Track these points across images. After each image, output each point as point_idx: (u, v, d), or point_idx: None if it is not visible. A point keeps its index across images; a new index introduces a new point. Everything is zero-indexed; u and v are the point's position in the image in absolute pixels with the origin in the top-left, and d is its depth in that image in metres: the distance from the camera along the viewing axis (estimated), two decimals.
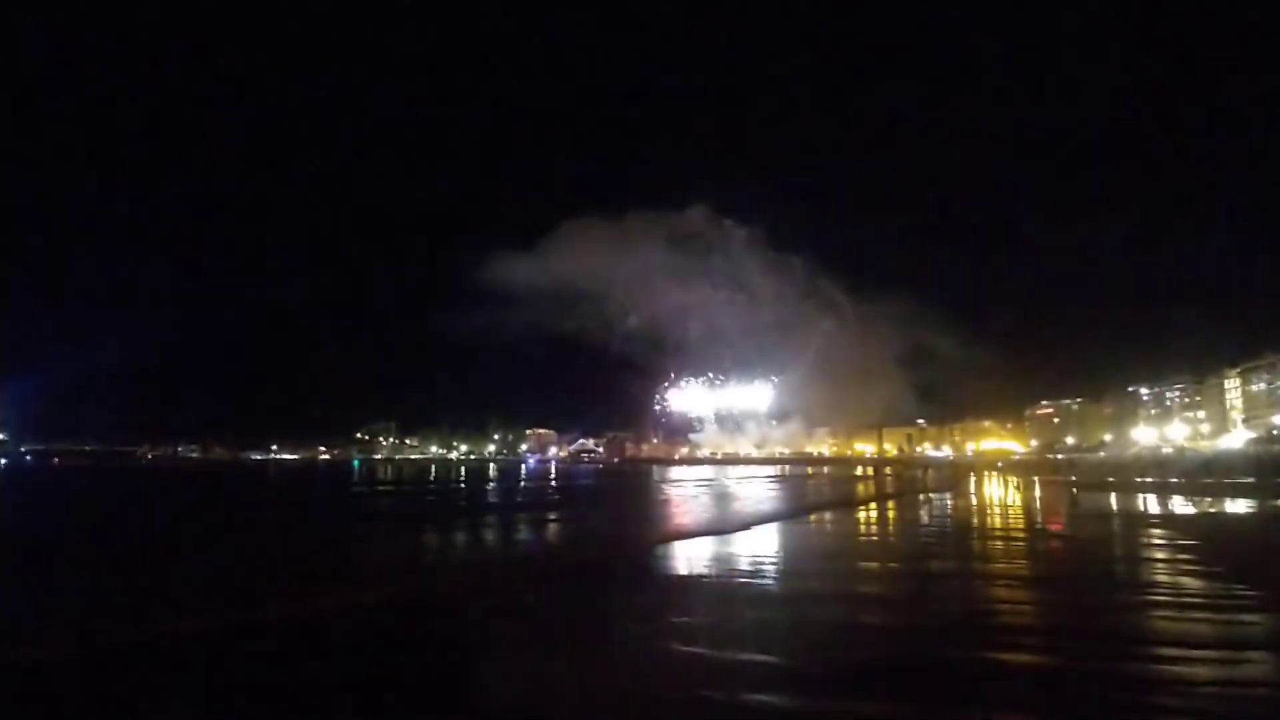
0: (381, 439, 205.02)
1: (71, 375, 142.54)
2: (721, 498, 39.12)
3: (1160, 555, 15.95)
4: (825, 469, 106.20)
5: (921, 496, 39.88)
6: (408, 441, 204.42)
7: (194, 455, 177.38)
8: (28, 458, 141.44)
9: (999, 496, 40.04)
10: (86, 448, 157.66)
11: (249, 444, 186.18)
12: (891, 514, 29.85)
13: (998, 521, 26.46)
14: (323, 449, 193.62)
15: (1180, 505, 30.46)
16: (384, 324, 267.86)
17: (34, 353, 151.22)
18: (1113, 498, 35.19)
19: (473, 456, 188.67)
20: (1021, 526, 24.14)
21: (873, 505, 34.11)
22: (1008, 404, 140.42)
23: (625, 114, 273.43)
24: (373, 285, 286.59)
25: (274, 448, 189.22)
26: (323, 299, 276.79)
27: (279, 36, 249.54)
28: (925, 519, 27.32)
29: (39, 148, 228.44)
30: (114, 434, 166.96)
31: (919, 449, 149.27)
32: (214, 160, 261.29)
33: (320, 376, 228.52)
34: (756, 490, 45.52)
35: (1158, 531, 21.14)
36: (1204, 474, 47.58)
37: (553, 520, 26.91)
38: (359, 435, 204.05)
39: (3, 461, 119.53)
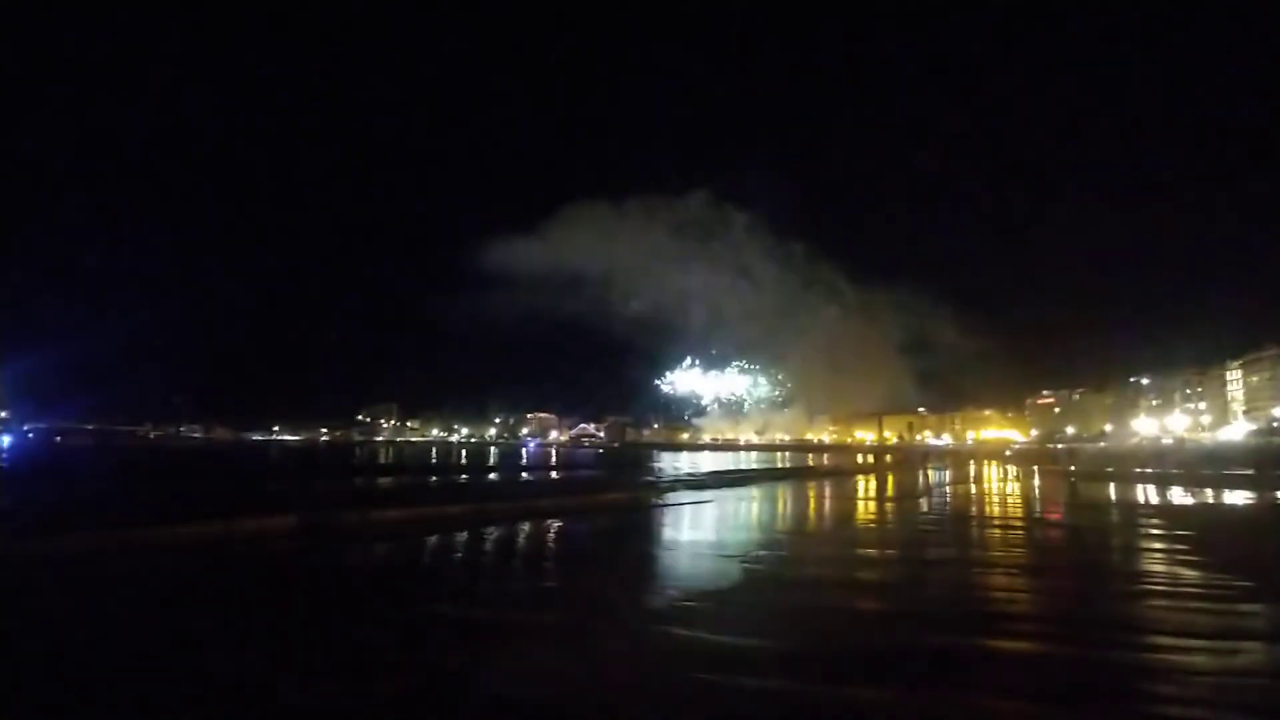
0: (383, 421, 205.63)
1: (73, 354, 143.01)
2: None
3: (1157, 545, 16.02)
4: (825, 457, 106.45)
5: (921, 484, 40.02)
6: (409, 424, 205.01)
7: (196, 435, 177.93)
8: (29, 435, 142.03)
9: (999, 486, 40.13)
10: (88, 426, 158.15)
11: (250, 425, 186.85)
12: (890, 505, 30.16)
13: (996, 510, 26.59)
14: (324, 430, 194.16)
15: (1179, 496, 30.53)
16: (386, 307, 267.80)
17: (36, 331, 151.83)
18: (1112, 488, 35.25)
19: (473, 440, 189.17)
20: (1020, 516, 24.28)
21: (872, 501, 34.13)
22: (1009, 393, 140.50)
23: (627, 98, 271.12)
24: (375, 268, 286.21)
25: (275, 429, 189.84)
26: (325, 281, 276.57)
27: (281, 22, 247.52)
28: (925, 507, 27.44)
29: (43, 128, 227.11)
30: (116, 413, 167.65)
31: (919, 437, 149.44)
32: (216, 142, 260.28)
33: (322, 358, 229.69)
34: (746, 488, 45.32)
35: (1155, 522, 21.25)
36: (1204, 465, 47.53)
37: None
38: (360, 417, 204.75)
39: (7, 439, 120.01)
